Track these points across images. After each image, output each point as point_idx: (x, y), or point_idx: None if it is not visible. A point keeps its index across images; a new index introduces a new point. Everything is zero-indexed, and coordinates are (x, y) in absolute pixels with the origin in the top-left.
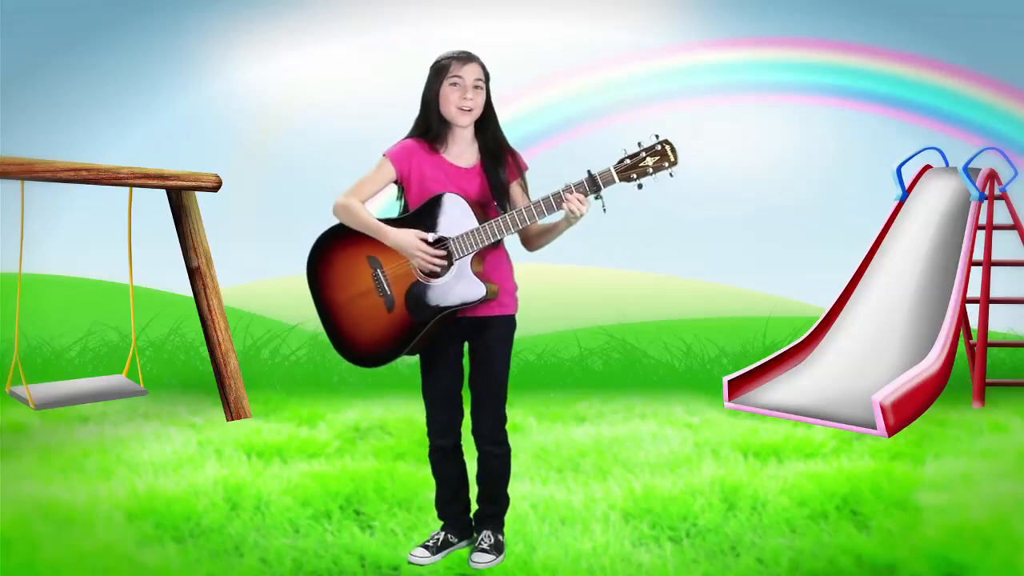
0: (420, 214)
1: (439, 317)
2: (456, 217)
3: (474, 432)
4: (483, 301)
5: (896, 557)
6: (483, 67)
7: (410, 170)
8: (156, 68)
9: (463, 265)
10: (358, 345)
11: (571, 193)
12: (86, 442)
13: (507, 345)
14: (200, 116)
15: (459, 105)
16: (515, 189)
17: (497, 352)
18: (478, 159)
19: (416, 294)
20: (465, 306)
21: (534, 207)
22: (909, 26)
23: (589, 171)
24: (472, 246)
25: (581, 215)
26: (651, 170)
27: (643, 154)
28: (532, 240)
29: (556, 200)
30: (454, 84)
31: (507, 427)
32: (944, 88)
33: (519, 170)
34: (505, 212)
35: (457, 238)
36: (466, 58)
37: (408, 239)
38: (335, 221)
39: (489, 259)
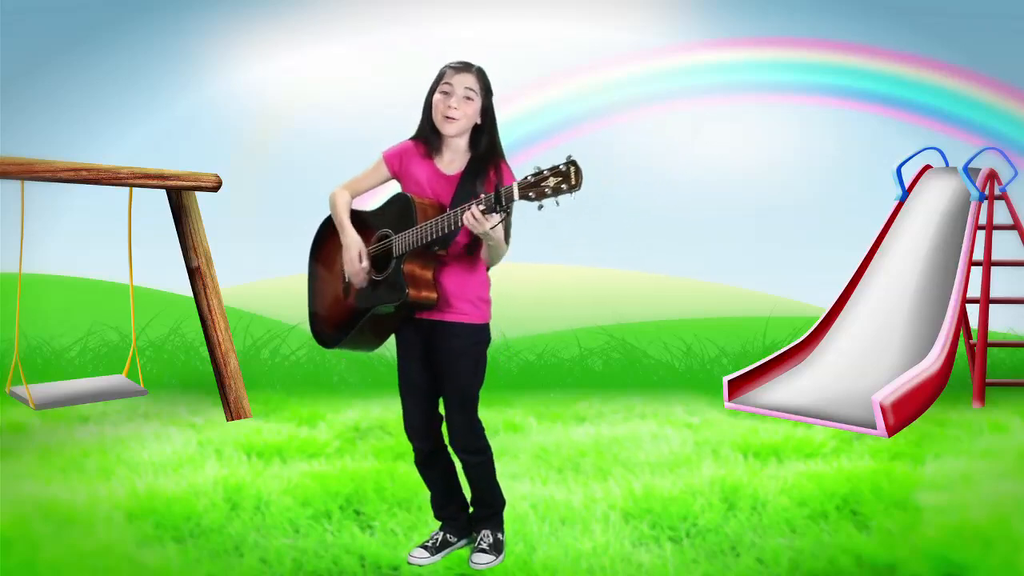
0: (378, 211)
1: (374, 311)
2: (402, 216)
3: (449, 440)
4: (408, 306)
5: (896, 557)
6: (480, 78)
7: (400, 170)
8: (156, 68)
9: (399, 265)
10: (318, 321)
11: (468, 209)
12: (86, 442)
13: (468, 353)
14: (200, 116)
15: (444, 113)
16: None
17: (456, 359)
18: (465, 168)
19: (361, 287)
20: (390, 305)
21: (444, 218)
22: (909, 26)
23: (497, 187)
24: (406, 246)
25: (479, 227)
26: (549, 191)
27: (546, 173)
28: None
29: (458, 215)
30: (444, 92)
31: (507, 428)
32: (944, 88)
33: (498, 184)
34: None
35: (399, 236)
36: (461, 68)
37: (349, 245)
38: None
39: (449, 266)
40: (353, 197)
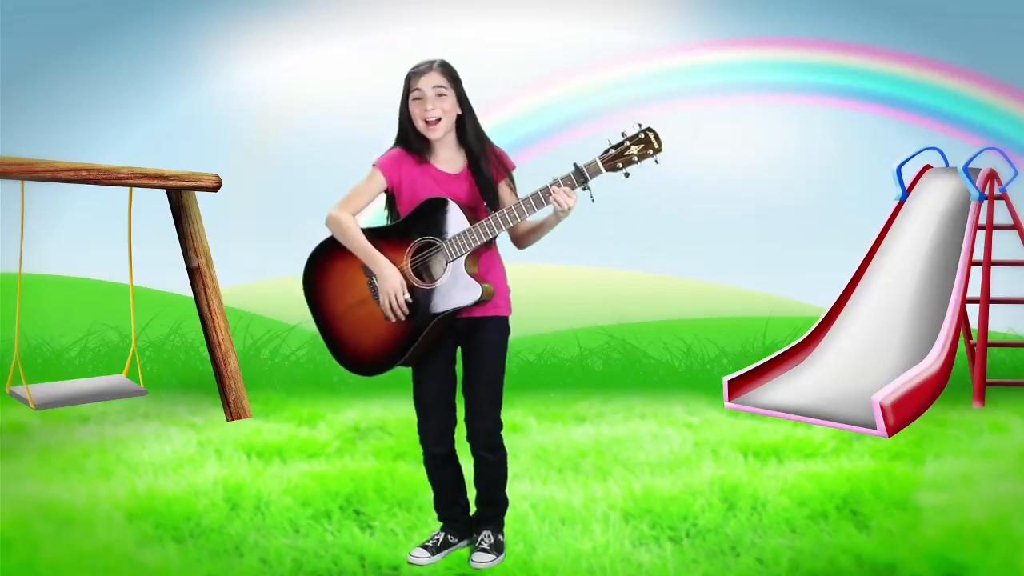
0: (411, 219)
1: (436, 321)
2: (447, 220)
3: (469, 438)
4: (480, 303)
5: (896, 557)
6: (445, 71)
7: (400, 179)
8: (156, 68)
9: (458, 267)
10: (358, 354)
11: (558, 187)
12: (86, 442)
13: (501, 347)
14: (200, 116)
15: (424, 118)
16: (503, 188)
17: (490, 354)
18: (465, 164)
19: (412, 299)
20: (461, 309)
21: (523, 203)
22: (909, 26)
23: (575, 163)
24: (465, 247)
25: (569, 209)
26: (636, 158)
27: (627, 143)
28: (522, 238)
29: (544, 195)
30: (416, 99)
31: (507, 428)
32: (944, 88)
33: (505, 170)
34: (495, 211)
35: (450, 240)
36: (424, 69)
37: (388, 276)
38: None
39: (483, 260)
40: (354, 215)
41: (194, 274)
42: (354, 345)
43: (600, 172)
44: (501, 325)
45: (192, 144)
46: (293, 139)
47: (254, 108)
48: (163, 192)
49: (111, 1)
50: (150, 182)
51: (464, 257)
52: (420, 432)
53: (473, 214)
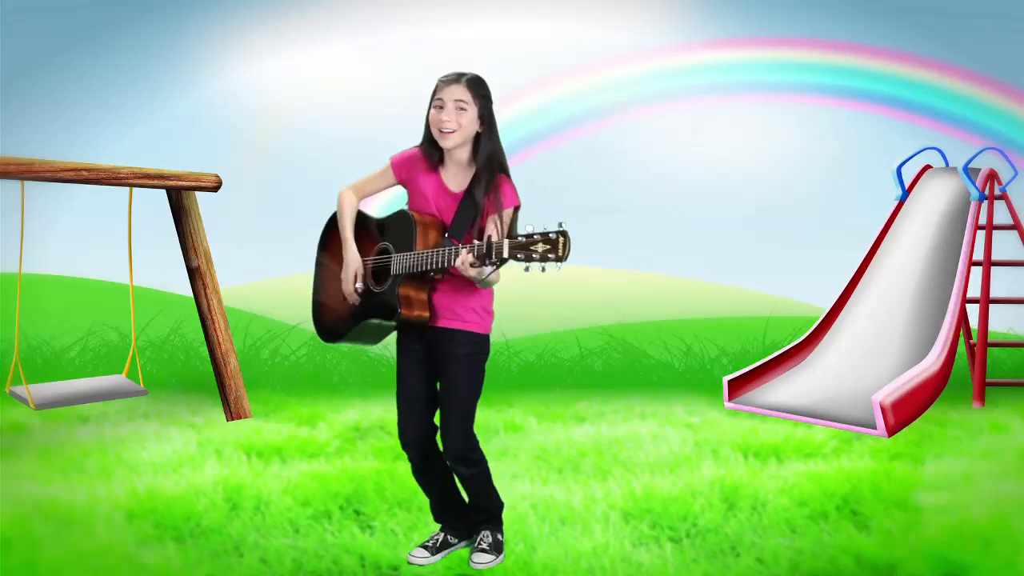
0: (385, 223)
1: (365, 322)
2: (405, 236)
3: (443, 450)
4: (395, 323)
5: (896, 557)
6: (471, 87)
7: (408, 178)
8: (156, 68)
9: (396, 283)
10: (321, 315)
11: (465, 254)
12: (86, 442)
13: (469, 362)
14: (200, 116)
15: (439, 128)
16: (489, 222)
17: (458, 368)
18: (467, 186)
19: (362, 292)
20: (380, 321)
21: (434, 253)
22: (909, 26)
23: (489, 237)
24: (404, 268)
25: (466, 273)
26: (537, 256)
27: (537, 237)
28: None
29: (452, 255)
30: (438, 107)
31: (507, 428)
32: (944, 88)
33: (498, 205)
34: (479, 240)
35: (396, 256)
36: (452, 80)
37: (348, 262)
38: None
39: (446, 283)
40: (360, 199)
41: (194, 274)
42: (322, 306)
43: (503, 255)
44: (465, 339)
45: (192, 144)
46: (293, 139)
47: (254, 108)
48: (163, 192)
49: (111, 1)
50: (150, 182)
51: (403, 275)
52: (399, 438)
53: (438, 237)
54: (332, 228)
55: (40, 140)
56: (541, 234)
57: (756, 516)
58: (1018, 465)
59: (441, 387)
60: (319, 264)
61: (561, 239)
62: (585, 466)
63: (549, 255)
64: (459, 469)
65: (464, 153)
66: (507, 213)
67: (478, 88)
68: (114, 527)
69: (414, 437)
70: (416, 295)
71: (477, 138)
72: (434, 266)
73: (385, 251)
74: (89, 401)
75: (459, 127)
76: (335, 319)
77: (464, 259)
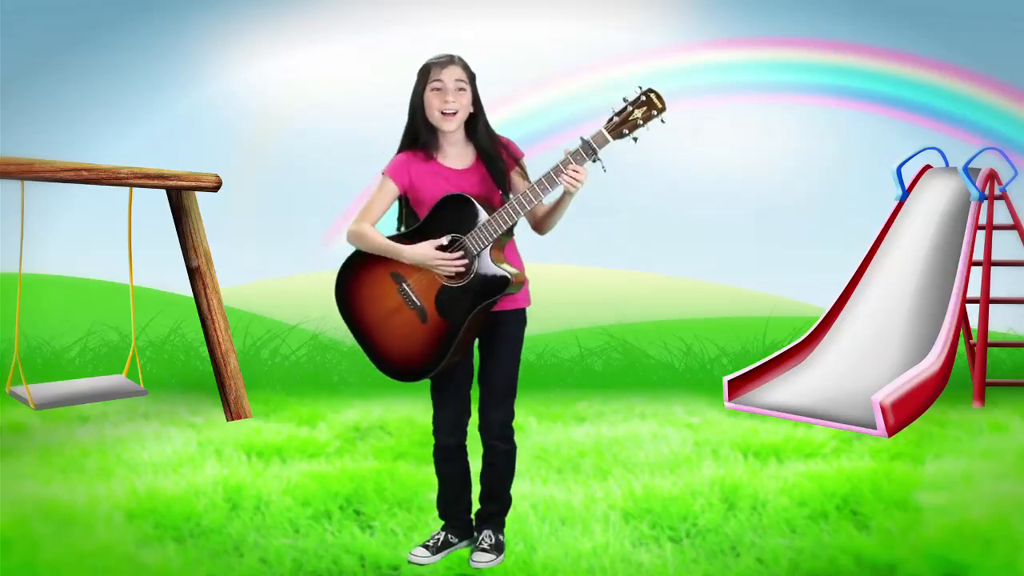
0: (430, 221)
1: (475, 313)
2: (465, 214)
3: (481, 428)
4: (512, 289)
5: (896, 557)
6: (465, 68)
7: (411, 182)
8: (156, 68)
9: (484, 259)
10: (400, 360)
11: (567, 165)
12: (86, 442)
13: (519, 339)
14: (200, 116)
15: (441, 109)
16: (515, 178)
17: (509, 346)
18: (474, 158)
19: (445, 299)
20: (496, 299)
21: (536, 186)
22: (909, 26)
23: (582, 137)
24: (487, 238)
25: (580, 184)
26: (641, 121)
27: (630, 107)
28: (541, 222)
29: (556, 174)
30: (436, 89)
31: None
32: (944, 88)
33: (514, 159)
34: (510, 199)
35: (471, 234)
36: (446, 61)
37: (424, 251)
38: (338, 227)
39: (507, 251)
40: (373, 224)
41: (194, 274)
42: (396, 353)
43: (608, 142)
44: (521, 317)
45: (192, 144)
46: (293, 139)
47: (254, 108)
48: (163, 192)
49: (111, 1)
50: (150, 182)
51: (488, 248)
52: (434, 422)
53: (488, 204)
54: (349, 276)
55: (40, 140)
56: (631, 102)
57: (756, 516)
58: (1018, 465)
59: (489, 364)
60: (361, 324)
61: (652, 95)
62: (585, 466)
63: (652, 112)
64: (499, 444)
65: (460, 134)
66: (523, 163)
67: (469, 68)
68: (114, 527)
69: (453, 422)
70: (504, 261)
71: (470, 117)
72: (528, 205)
73: (450, 243)
74: (89, 401)
75: (461, 108)
76: (422, 351)
77: (569, 169)
